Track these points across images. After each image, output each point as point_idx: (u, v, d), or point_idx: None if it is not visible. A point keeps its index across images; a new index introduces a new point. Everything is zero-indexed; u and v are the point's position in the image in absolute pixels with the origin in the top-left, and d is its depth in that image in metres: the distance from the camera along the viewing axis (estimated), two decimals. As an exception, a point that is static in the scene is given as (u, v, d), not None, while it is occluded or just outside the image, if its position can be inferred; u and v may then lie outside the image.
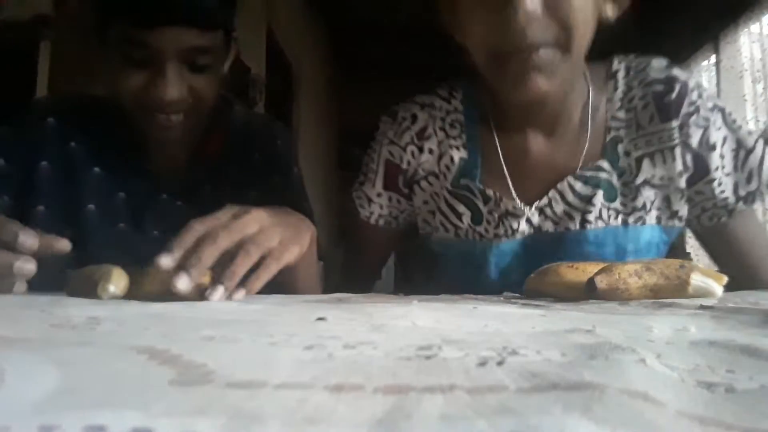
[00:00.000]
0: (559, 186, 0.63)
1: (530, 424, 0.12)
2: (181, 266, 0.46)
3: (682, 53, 3.11)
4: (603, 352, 0.20)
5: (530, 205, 0.64)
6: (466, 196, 0.66)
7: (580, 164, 0.63)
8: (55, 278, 0.50)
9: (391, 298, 0.52)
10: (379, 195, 0.72)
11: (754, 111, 2.59)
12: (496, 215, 0.65)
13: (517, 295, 0.59)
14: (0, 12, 1.82)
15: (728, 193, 0.61)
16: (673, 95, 0.61)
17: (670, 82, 0.63)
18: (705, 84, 3.02)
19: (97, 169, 0.74)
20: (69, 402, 0.13)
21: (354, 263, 0.78)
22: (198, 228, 0.49)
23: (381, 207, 0.72)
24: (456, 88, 0.70)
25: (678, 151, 0.61)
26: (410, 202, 0.71)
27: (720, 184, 0.61)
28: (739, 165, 0.61)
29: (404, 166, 0.70)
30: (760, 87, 2.56)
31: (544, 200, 0.63)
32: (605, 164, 0.62)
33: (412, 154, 0.69)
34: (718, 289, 0.49)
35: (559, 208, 0.63)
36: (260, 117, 0.91)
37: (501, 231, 0.65)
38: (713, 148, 0.61)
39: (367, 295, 0.58)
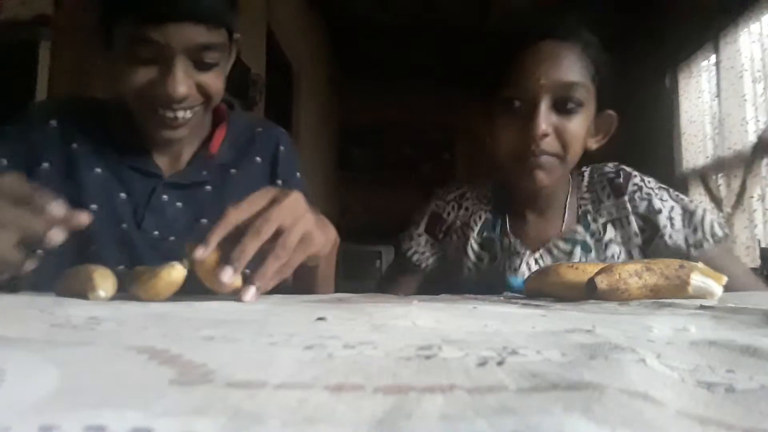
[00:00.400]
0: (547, 244, 0.84)
1: (530, 424, 0.12)
2: (225, 259, 0.46)
3: (682, 53, 3.11)
4: (603, 352, 0.20)
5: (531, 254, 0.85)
6: (488, 245, 0.87)
7: (561, 230, 0.85)
8: (56, 278, 0.50)
9: (391, 298, 0.52)
10: (419, 235, 0.91)
11: (754, 111, 2.59)
12: (507, 254, 0.85)
13: (517, 295, 0.59)
14: (0, 12, 1.82)
15: (681, 243, 0.79)
16: (621, 179, 0.84)
17: (618, 171, 0.86)
18: (705, 84, 3.02)
19: (98, 170, 0.74)
20: (69, 402, 0.13)
21: (387, 283, 0.95)
22: (233, 217, 0.48)
23: (418, 245, 0.90)
24: (487, 182, 0.93)
25: (631, 218, 0.82)
26: (441, 246, 0.90)
27: (671, 238, 0.79)
28: (686, 223, 0.80)
29: (445, 216, 0.90)
30: (760, 87, 2.55)
31: (537, 254, 0.84)
32: (580, 229, 0.84)
33: (453, 207, 0.90)
34: (718, 289, 0.49)
35: (548, 259, 0.83)
36: (262, 121, 0.91)
37: (506, 266, 0.84)
38: (659, 212, 0.80)
39: (367, 295, 0.58)
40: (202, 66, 0.66)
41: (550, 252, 0.83)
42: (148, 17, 0.61)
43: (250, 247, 0.47)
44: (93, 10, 0.67)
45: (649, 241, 0.80)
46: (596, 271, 0.49)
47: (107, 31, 0.66)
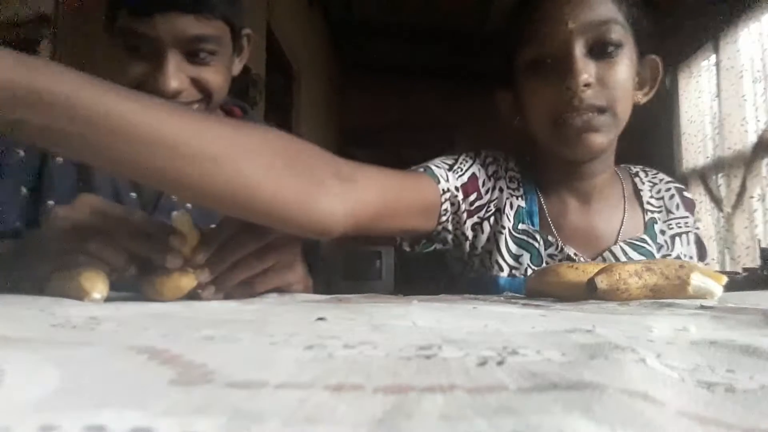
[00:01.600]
0: (613, 248, 0.71)
1: (530, 424, 0.12)
2: (212, 269, 0.47)
3: (682, 53, 3.11)
4: (603, 352, 0.20)
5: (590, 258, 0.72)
6: (525, 240, 0.71)
7: (620, 232, 0.73)
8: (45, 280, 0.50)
9: (391, 298, 0.52)
10: (456, 189, 0.69)
11: (755, 111, 2.59)
12: (557, 259, 0.70)
13: (518, 295, 0.59)
14: (0, 12, 1.82)
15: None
16: (689, 195, 0.81)
17: (681, 187, 0.81)
18: (705, 84, 3.02)
19: None
20: (69, 402, 0.13)
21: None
22: (237, 224, 0.49)
23: (450, 197, 0.68)
24: (509, 156, 0.78)
25: (691, 236, 0.77)
26: (464, 225, 0.71)
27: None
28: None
29: (483, 190, 0.72)
30: (760, 87, 2.55)
31: (599, 258, 0.71)
32: (647, 239, 0.74)
33: (492, 186, 0.73)
34: (718, 289, 0.49)
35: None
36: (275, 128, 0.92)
37: None
38: (703, 237, 0.82)
39: (367, 295, 0.58)
40: (196, 60, 0.65)
41: (615, 256, 0.71)
42: (137, 9, 0.61)
43: (231, 255, 0.48)
44: (97, 10, 0.67)
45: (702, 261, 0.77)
46: (596, 271, 0.49)
47: (110, 23, 0.65)
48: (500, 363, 0.19)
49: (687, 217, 0.77)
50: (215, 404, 0.13)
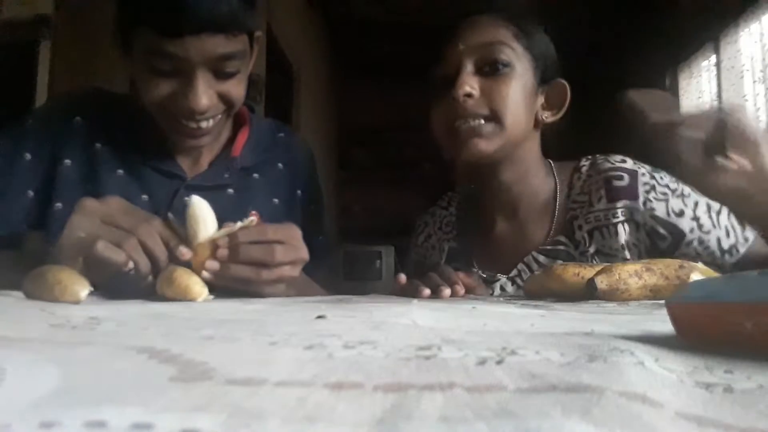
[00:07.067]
0: (525, 260, 0.77)
1: (529, 427, 0.12)
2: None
3: (682, 53, 3.11)
4: (602, 353, 0.20)
5: (505, 275, 0.79)
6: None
7: (547, 240, 0.77)
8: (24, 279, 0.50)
9: (391, 298, 0.52)
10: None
11: (755, 111, 2.58)
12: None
13: (518, 294, 0.59)
14: (0, 12, 1.82)
15: (714, 248, 0.69)
16: (623, 182, 0.74)
17: (620, 171, 0.75)
18: (705, 84, 3.02)
19: (120, 172, 0.73)
20: (69, 399, 0.13)
21: None
22: (259, 229, 0.54)
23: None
24: (453, 198, 0.93)
25: (620, 227, 0.72)
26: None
27: (701, 243, 0.69)
28: (714, 223, 0.69)
29: (426, 261, 0.90)
30: (760, 87, 2.55)
31: (514, 272, 0.78)
32: (563, 238, 0.76)
33: (426, 249, 0.91)
34: (718, 289, 0.48)
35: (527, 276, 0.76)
36: (281, 125, 0.90)
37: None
38: (681, 214, 0.70)
39: (366, 296, 0.58)
40: (222, 75, 0.65)
41: (529, 268, 0.76)
42: (165, 30, 0.60)
43: (253, 254, 0.52)
44: (96, 10, 0.66)
45: (676, 249, 0.69)
46: (596, 271, 0.49)
47: (125, 37, 0.65)
48: (499, 363, 0.19)
49: (610, 209, 0.73)
50: (215, 401, 0.13)
